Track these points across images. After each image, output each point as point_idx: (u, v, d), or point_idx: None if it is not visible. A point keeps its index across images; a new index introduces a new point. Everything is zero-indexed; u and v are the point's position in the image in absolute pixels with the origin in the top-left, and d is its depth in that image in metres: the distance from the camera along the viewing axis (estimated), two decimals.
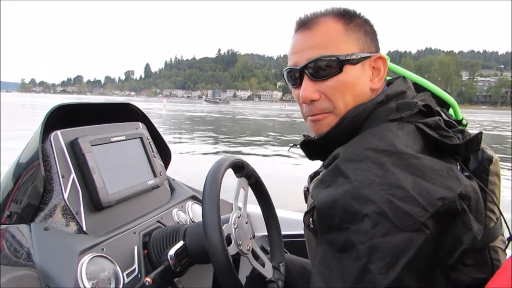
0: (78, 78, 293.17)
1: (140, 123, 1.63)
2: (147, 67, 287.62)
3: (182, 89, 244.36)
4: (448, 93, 1.13)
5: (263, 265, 1.28)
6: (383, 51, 1.06)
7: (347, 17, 1.00)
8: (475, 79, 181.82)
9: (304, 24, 1.01)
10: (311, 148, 1.07)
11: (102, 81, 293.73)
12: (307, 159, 1.13)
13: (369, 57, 1.00)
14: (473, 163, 1.01)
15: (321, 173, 0.91)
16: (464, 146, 0.89)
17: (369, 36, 1.02)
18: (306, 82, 0.99)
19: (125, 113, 1.63)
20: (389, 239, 0.72)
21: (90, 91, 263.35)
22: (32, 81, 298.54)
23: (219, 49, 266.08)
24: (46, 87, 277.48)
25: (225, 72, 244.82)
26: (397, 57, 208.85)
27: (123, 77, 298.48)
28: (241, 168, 1.29)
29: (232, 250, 1.14)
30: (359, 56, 0.98)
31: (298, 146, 1.33)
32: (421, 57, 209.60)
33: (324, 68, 0.96)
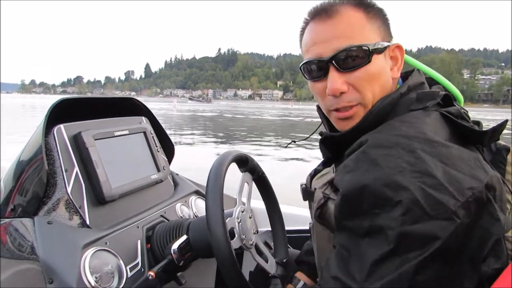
0: (78, 79, 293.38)
1: (143, 118, 1.63)
2: (147, 67, 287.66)
3: (183, 88, 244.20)
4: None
5: (266, 261, 1.28)
6: None
7: (366, 5, 0.97)
8: (476, 77, 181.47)
9: (325, 12, 0.96)
10: (329, 145, 1.03)
11: (102, 82, 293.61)
12: None
13: (389, 46, 0.97)
14: (488, 154, 1.00)
15: (345, 160, 0.89)
16: (491, 134, 0.89)
17: (386, 25, 0.99)
18: (334, 74, 0.94)
19: (129, 108, 1.63)
20: (419, 226, 0.72)
21: (90, 91, 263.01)
22: (32, 82, 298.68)
23: (219, 49, 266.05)
24: (46, 88, 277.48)
25: (225, 72, 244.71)
26: None
27: (123, 77, 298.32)
28: (245, 163, 1.29)
29: (235, 244, 1.14)
30: (384, 45, 0.96)
31: (294, 143, 1.32)
32: (422, 55, 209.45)
33: (354, 59, 0.92)
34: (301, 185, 1.23)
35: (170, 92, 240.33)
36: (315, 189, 1.11)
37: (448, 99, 0.96)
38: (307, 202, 1.20)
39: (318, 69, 0.97)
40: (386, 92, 0.97)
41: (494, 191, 0.79)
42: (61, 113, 1.28)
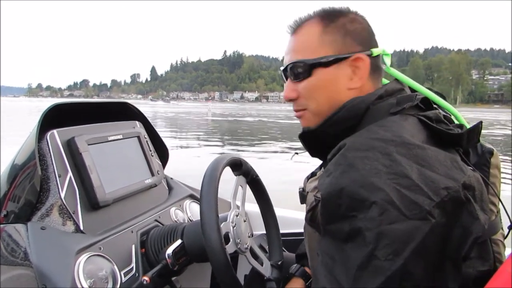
0: (84, 82, 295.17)
1: (137, 122, 1.63)
2: (153, 70, 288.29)
3: (189, 91, 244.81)
4: (443, 96, 1.15)
5: (262, 264, 1.28)
6: (389, 51, 1.08)
7: (330, 18, 1.03)
8: (485, 78, 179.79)
9: (292, 28, 1.07)
10: (310, 141, 1.07)
11: (109, 85, 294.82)
12: None
13: (347, 57, 1.01)
14: (473, 157, 1.03)
15: (328, 164, 0.91)
16: (466, 135, 0.93)
17: (350, 37, 1.02)
18: (288, 82, 1.06)
19: (122, 112, 1.63)
20: (396, 226, 0.73)
21: (97, 94, 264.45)
22: (39, 85, 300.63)
23: (225, 51, 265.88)
24: (52, 92, 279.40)
25: (231, 74, 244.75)
26: (404, 56, 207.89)
27: (129, 80, 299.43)
28: (239, 166, 1.29)
29: (230, 248, 1.14)
30: (331, 59, 1.00)
31: (299, 153, 1.35)
32: (429, 56, 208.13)
33: (297, 72, 1.03)
34: (299, 189, 1.25)
35: (176, 95, 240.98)
36: (307, 192, 1.14)
37: (428, 103, 0.99)
38: (301, 204, 1.21)
39: (284, 77, 1.08)
40: (336, 102, 1.01)
41: (473, 191, 0.81)
42: (54, 118, 1.28)
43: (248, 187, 1.36)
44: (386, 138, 0.84)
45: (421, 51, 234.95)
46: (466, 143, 0.94)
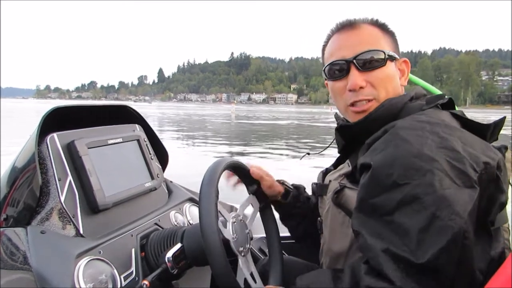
0: (92, 84, 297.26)
1: (137, 125, 1.63)
2: (160, 71, 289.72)
3: (196, 93, 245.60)
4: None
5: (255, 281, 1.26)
6: None
7: (381, 25, 1.19)
8: (494, 79, 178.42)
9: (349, 25, 1.18)
10: (347, 135, 1.18)
11: (116, 86, 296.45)
12: None
13: (398, 59, 1.19)
14: None
15: (364, 148, 1.04)
16: (493, 127, 1.04)
17: (395, 43, 1.20)
18: (355, 72, 1.13)
19: (122, 115, 1.63)
20: (451, 191, 0.82)
21: (104, 96, 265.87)
22: (47, 87, 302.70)
23: (232, 53, 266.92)
24: (61, 93, 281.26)
25: (238, 76, 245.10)
26: (412, 57, 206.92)
27: (136, 82, 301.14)
28: (239, 169, 1.29)
29: (229, 251, 1.13)
30: (395, 56, 1.17)
31: (309, 154, 1.40)
32: (437, 57, 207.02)
33: (371, 61, 1.12)
34: (313, 184, 1.34)
35: (184, 96, 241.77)
36: (330, 181, 1.22)
37: (452, 104, 1.13)
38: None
39: (340, 69, 1.15)
40: (396, 95, 1.15)
41: (501, 171, 0.91)
42: (54, 121, 1.28)
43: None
44: (431, 121, 0.96)
45: (429, 52, 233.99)
46: (490, 136, 1.04)
